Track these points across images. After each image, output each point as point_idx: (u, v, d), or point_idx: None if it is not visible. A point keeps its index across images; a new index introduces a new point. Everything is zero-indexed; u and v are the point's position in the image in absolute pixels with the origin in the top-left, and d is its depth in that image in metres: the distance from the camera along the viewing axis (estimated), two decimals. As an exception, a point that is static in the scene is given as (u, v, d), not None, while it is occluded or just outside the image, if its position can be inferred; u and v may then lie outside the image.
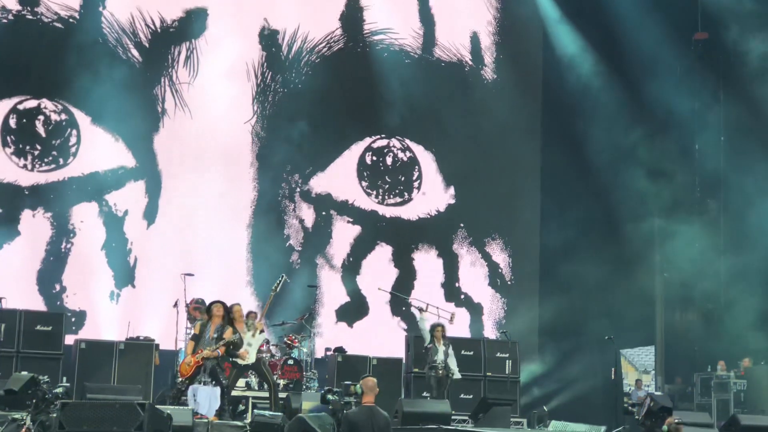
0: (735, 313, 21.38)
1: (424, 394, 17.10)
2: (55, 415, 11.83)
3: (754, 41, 22.24)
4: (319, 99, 21.10)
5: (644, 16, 21.92)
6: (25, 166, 19.60)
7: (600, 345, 20.57)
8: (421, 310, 17.49)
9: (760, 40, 22.28)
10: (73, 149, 19.88)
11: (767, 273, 21.68)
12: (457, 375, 16.71)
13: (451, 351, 16.79)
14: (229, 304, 14.82)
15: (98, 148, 19.95)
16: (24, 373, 13.81)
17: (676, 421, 14.25)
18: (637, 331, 22.06)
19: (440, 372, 16.47)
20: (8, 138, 19.57)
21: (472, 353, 18.30)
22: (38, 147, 19.72)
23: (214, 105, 20.78)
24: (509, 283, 22.58)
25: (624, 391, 21.01)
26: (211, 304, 14.90)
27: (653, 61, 22.13)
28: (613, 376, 20.32)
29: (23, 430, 10.98)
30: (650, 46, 22.01)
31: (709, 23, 23.01)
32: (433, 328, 16.84)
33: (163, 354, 17.05)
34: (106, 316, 19.33)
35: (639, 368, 22.18)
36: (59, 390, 12.72)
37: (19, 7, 19.81)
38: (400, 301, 21.39)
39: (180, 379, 14.74)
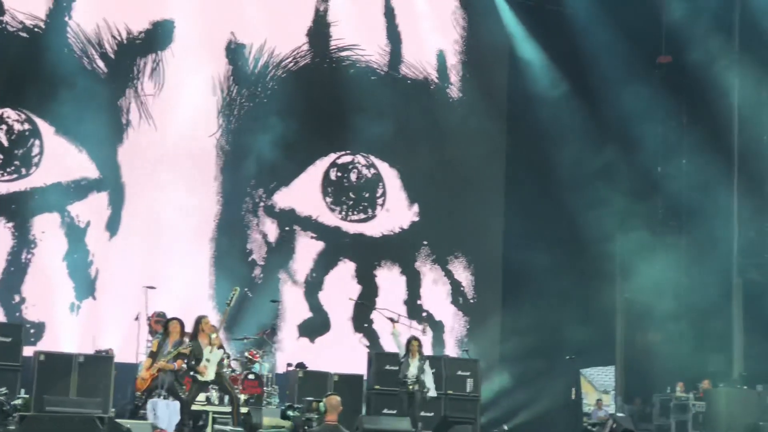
0: (695, 335, 21.55)
1: (385, 411, 17.05)
2: (13, 427, 11.72)
3: (717, 65, 22.47)
4: (284, 114, 21.03)
5: (609, 38, 22.10)
6: (-14, 176, 19.45)
7: (561, 364, 20.64)
8: (393, 321, 16.96)
9: (723, 65, 22.51)
10: (35, 159, 19.71)
11: (727, 295, 21.85)
12: (432, 393, 16.28)
13: (427, 367, 16.36)
14: (196, 317, 14.81)
15: (61, 159, 19.79)
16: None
17: None
18: (597, 351, 22.15)
19: (410, 387, 16.04)
20: (-30, 147, 19.42)
21: (433, 371, 18.24)
22: (0, 156, 19.54)
23: (179, 118, 20.70)
24: (471, 301, 22.62)
25: (584, 411, 21.08)
26: (168, 321, 14.95)
27: (618, 82, 22.28)
28: (573, 396, 20.40)
29: (-20, 442, 10.87)
30: (615, 67, 22.18)
31: (673, 46, 23.23)
32: (409, 341, 16.42)
33: (123, 367, 16.91)
34: (65, 328, 19.16)
35: (599, 388, 22.27)
36: (17, 402, 12.60)
37: (-17, 16, 19.67)
38: (362, 317, 21.40)
39: (137, 394, 14.71)
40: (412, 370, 16.11)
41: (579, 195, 22.16)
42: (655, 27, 23.25)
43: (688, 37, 22.51)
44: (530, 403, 21.18)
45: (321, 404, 11.97)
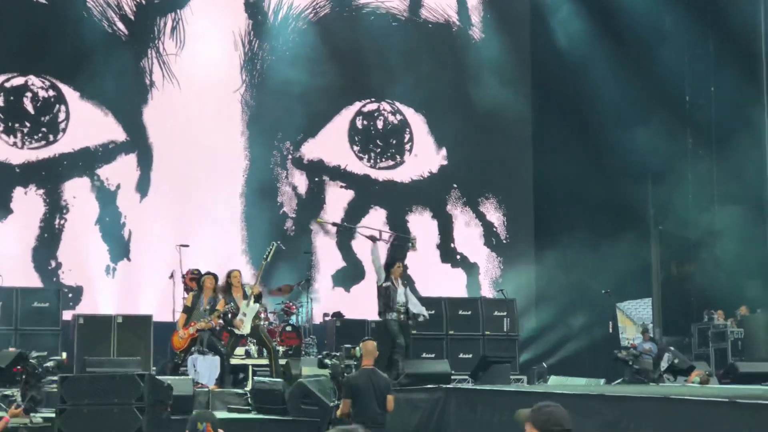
0: (730, 262, 21.40)
1: (423, 354, 17.12)
2: (47, 389, 11.88)
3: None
4: (307, 65, 21.02)
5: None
6: (15, 144, 19.56)
7: (597, 299, 20.62)
8: (373, 239, 15.40)
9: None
10: (62, 125, 19.84)
11: (761, 222, 21.69)
12: (420, 313, 15.24)
13: (410, 293, 15.27)
14: (226, 271, 14.94)
15: (88, 123, 19.92)
16: (11, 349, 13.87)
17: (707, 373, 14.58)
18: (633, 284, 22.07)
19: (402, 317, 14.98)
20: (-3, 116, 19.54)
21: (470, 313, 18.31)
22: (27, 124, 19.67)
23: (203, 75, 20.74)
24: (504, 241, 22.60)
25: (624, 345, 21.04)
26: (202, 276, 15.09)
27: (641, 13, 21.98)
28: (611, 330, 20.38)
29: (13, 406, 10.99)
30: (638, -2, 21.90)
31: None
32: (391, 265, 15.10)
33: (161, 326, 17.08)
34: (102, 291, 19.37)
35: (637, 321, 22.21)
36: (49, 364, 12.72)
37: (2, -16, 19.70)
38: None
39: (176, 352, 14.89)
40: (401, 297, 14.95)
41: (607, 128, 21.97)
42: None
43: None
44: (568, 339, 21.21)
45: (357, 349, 12.05)
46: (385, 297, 14.91)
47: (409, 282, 20.31)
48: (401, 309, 14.89)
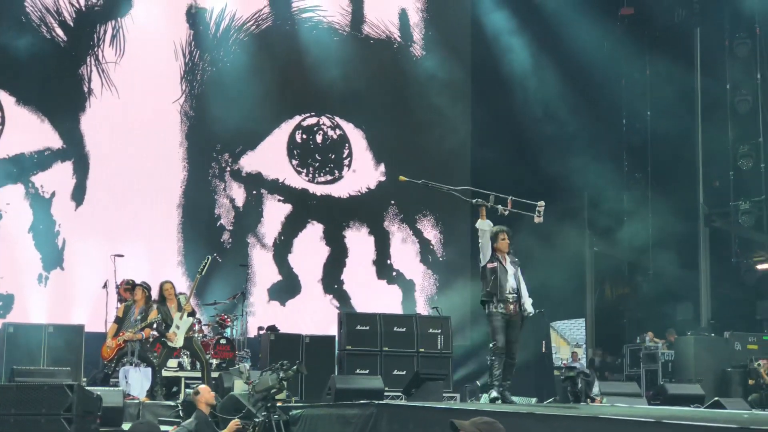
0: (663, 285, 21.68)
1: (357, 371, 17.09)
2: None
3: (679, 15, 22.48)
4: (248, 77, 20.97)
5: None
6: (-52, 149, 19.29)
7: (531, 319, 20.64)
8: (479, 205, 11.81)
9: (685, 14, 22.52)
10: (-3, 130, 19.61)
11: (694, 245, 22.00)
12: (530, 309, 11.70)
13: (520, 273, 11.51)
14: (158, 283, 14.83)
15: (23, 130, 19.69)
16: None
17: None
18: (567, 304, 22.25)
19: (511, 306, 11.32)
20: (-70, 120, 19.25)
21: (404, 329, 18.29)
22: (-39, 129, 19.41)
23: (142, 84, 20.60)
24: (441, 259, 22.66)
25: (556, 364, 21.20)
26: (134, 287, 14.99)
27: (581, 36, 22.23)
28: (543, 350, 20.51)
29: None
30: (578, 21, 22.13)
31: (635, -1, 23.22)
32: (496, 235, 11.45)
33: (93, 336, 16.91)
34: (34, 300, 19.12)
35: (570, 341, 22.40)
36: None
37: (-61, -14, 19.45)
38: (332, 278, 21.41)
39: (105, 362, 14.77)
40: (510, 281, 11.28)
41: (546, 149, 22.17)
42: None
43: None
44: (501, 358, 21.24)
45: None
46: (491, 282, 11.32)
47: (343, 297, 20.44)
48: (510, 297, 11.32)
